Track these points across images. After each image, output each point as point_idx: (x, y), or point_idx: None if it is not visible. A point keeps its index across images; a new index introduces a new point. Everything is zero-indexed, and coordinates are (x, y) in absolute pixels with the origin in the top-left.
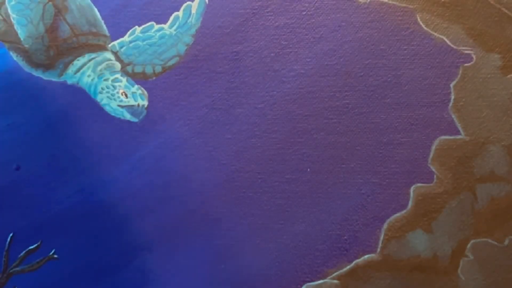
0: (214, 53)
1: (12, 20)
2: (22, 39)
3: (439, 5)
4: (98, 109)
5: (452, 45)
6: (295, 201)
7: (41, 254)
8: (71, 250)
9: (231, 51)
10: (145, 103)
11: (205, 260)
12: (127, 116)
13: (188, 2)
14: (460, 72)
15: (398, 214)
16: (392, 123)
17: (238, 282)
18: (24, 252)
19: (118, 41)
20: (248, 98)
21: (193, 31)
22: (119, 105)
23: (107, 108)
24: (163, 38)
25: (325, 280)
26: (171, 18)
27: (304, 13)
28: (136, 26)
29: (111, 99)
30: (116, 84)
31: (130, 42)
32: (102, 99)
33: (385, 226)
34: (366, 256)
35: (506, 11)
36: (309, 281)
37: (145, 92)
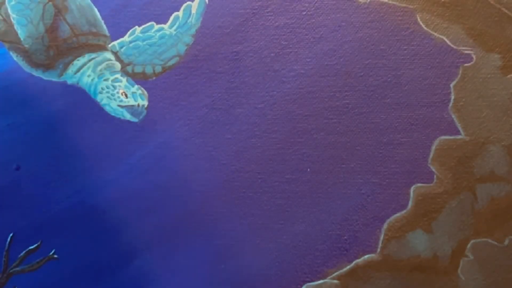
0: (214, 53)
1: (12, 20)
2: (22, 39)
3: (439, 5)
4: (98, 109)
5: (452, 45)
6: (295, 201)
7: (41, 254)
8: (71, 250)
9: (231, 51)
10: (145, 103)
11: (205, 260)
12: (127, 116)
13: (188, 2)
14: (460, 72)
15: (398, 214)
16: (392, 123)
17: (238, 282)
18: (24, 252)
19: (118, 41)
20: (248, 98)
21: (193, 31)
22: (119, 105)
23: (107, 108)
24: (163, 38)
25: (325, 280)
26: (171, 18)
27: (304, 13)
28: (136, 26)
29: (111, 99)
30: (116, 84)
31: (130, 42)
32: (102, 99)
33: (385, 226)
34: (366, 256)
35: (506, 11)
36: (309, 281)
37: (145, 92)
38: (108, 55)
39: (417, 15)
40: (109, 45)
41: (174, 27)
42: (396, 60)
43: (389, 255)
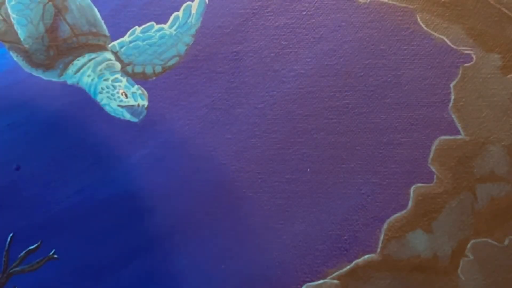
0: (214, 53)
1: (12, 20)
2: (22, 39)
3: (439, 5)
4: (98, 109)
5: (452, 45)
6: (295, 201)
7: (41, 254)
8: (71, 250)
9: (231, 51)
10: (145, 103)
11: (205, 260)
12: (127, 116)
13: (188, 2)
14: (460, 72)
15: (398, 214)
16: (392, 123)
17: (238, 282)
18: (24, 252)
19: (118, 41)
20: (248, 98)
21: (193, 31)
22: (119, 105)
23: (107, 108)
24: (163, 38)
25: (325, 280)
26: (171, 18)
27: (304, 13)
28: (136, 26)
29: (111, 99)
30: (116, 84)
31: (130, 42)
32: (102, 99)
33: (385, 226)
34: (366, 256)
35: (506, 11)
36: (309, 281)
37: (145, 92)
38: (108, 55)
39: (417, 15)
40: (109, 45)
41: (174, 27)
42: (396, 60)
43: (389, 255)
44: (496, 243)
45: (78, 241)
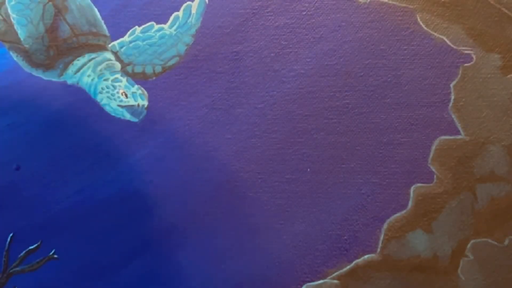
0: (214, 53)
1: (12, 20)
2: (22, 39)
3: (439, 5)
4: (98, 109)
5: (452, 45)
6: (295, 201)
7: (41, 254)
8: (71, 250)
9: (231, 51)
10: (145, 103)
11: (205, 260)
12: (127, 116)
13: (188, 2)
14: (460, 72)
15: (398, 214)
16: (392, 123)
17: (238, 282)
18: (24, 252)
19: (118, 41)
20: (248, 98)
21: (193, 31)
22: (119, 105)
23: (107, 108)
24: (163, 38)
25: (325, 280)
26: (171, 18)
27: (304, 13)
28: (136, 26)
29: (111, 99)
30: (116, 84)
31: (130, 42)
32: (102, 99)
33: (385, 226)
34: (366, 256)
35: (506, 11)
36: (309, 281)
37: (145, 92)
38: (108, 55)
39: (417, 15)
40: (109, 45)
41: (174, 27)
42: (396, 60)
43: (389, 255)
44: (496, 243)
45: (78, 241)
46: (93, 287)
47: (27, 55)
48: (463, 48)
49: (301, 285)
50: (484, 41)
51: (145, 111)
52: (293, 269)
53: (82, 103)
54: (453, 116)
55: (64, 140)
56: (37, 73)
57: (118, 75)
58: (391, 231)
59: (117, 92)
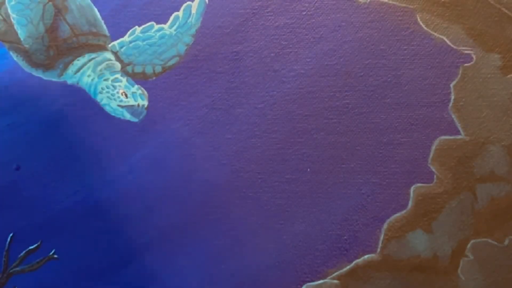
0: (214, 53)
1: (12, 20)
2: (22, 39)
3: (439, 5)
4: (98, 109)
5: (452, 45)
6: (295, 201)
7: (41, 254)
8: (71, 250)
9: (231, 51)
10: (145, 103)
11: (205, 260)
12: (127, 116)
13: (188, 2)
14: (460, 72)
15: (398, 214)
16: (392, 123)
17: (238, 282)
18: (24, 252)
19: (118, 41)
20: (248, 98)
21: (193, 31)
22: (119, 105)
23: (107, 108)
24: (163, 38)
25: (325, 280)
26: (171, 18)
27: (304, 13)
28: (136, 26)
29: (111, 99)
30: (116, 84)
31: (130, 42)
32: (102, 99)
33: (385, 226)
34: (366, 256)
35: (506, 11)
36: (309, 281)
37: (145, 92)
38: (108, 55)
39: (417, 15)
40: (109, 45)
41: (174, 27)
42: (396, 60)
43: (389, 255)
44: (496, 243)
45: (78, 241)
46: (93, 287)
47: (27, 55)
48: (463, 48)
49: (301, 285)
50: (484, 41)
51: (145, 111)
52: (293, 269)
53: (82, 103)
54: (453, 116)
55: (64, 140)
56: (37, 73)
57: (118, 75)
58: (391, 231)
59: (117, 92)
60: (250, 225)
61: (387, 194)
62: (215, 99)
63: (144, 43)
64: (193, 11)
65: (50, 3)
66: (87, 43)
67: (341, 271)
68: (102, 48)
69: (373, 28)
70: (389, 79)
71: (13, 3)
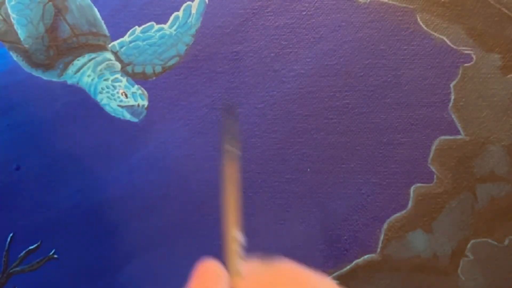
0: (214, 53)
1: (12, 20)
2: (22, 39)
3: (439, 5)
4: (98, 109)
5: (452, 45)
6: (295, 201)
7: (41, 254)
8: (71, 250)
9: (231, 51)
10: (145, 103)
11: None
12: (127, 116)
13: (188, 2)
14: (460, 72)
15: (398, 214)
16: (392, 123)
17: None
18: (24, 252)
19: (118, 41)
20: (248, 98)
21: (193, 31)
22: (119, 105)
23: (107, 108)
24: (163, 38)
25: None
26: (171, 18)
27: (304, 13)
28: (136, 26)
29: (111, 99)
30: (116, 84)
31: (130, 42)
32: (102, 99)
33: (385, 226)
34: (366, 256)
35: (506, 11)
36: None
37: (145, 92)
38: (108, 55)
39: (417, 15)
40: (109, 45)
41: (174, 27)
42: (396, 60)
43: (389, 255)
44: (496, 243)
45: (78, 241)
46: (93, 287)
47: (27, 55)
48: (463, 48)
49: None
50: (484, 41)
51: (145, 111)
52: None
53: (82, 103)
54: (453, 116)
55: (64, 140)
56: (37, 73)
57: (118, 75)
58: (391, 231)
59: (117, 92)
60: (250, 225)
61: (387, 194)
62: (215, 99)
63: (144, 43)
64: (193, 11)
65: (50, 3)
66: (87, 43)
67: (341, 271)
68: (102, 48)
69: (373, 28)
70: (389, 79)
71: (13, 3)
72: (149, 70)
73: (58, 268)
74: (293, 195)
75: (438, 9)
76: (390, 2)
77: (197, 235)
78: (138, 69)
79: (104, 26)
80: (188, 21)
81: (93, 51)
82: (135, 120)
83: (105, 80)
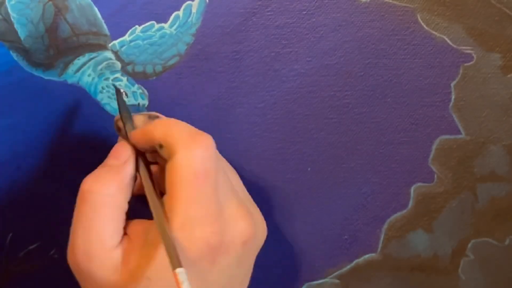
0: (215, 53)
1: (12, 19)
2: (22, 38)
3: (440, 5)
4: (98, 108)
5: (452, 45)
6: (295, 201)
7: (41, 254)
8: None
9: (232, 50)
10: (146, 102)
11: None
12: None
13: (189, 2)
14: (461, 71)
15: (398, 214)
16: (393, 123)
17: None
18: (23, 252)
19: (119, 40)
20: (249, 98)
21: (193, 30)
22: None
23: (107, 108)
24: (164, 37)
25: (326, 280)
26: (172, 17)
27: (304, 12)
28: (137, 26)
29: (111, 98)
30: (117, 83)
31: (131, 41)
32: (102, 98)
33: (385, 225)
34: (366, 256)
35: (506, 10)
36: (309, 280)
37: (146, 92)
38: (109, 54)
39: (418, 15)
40: (110, 45)
41: (175, 27)
42: (396, 60)
43: (390, 254)
44: (496, 242)
45: None
46: None
47: (27, 54)
48: (464, 47)
49: (302, 284)
50: (485, 40)
51: (145, 111)
52: (293, 269)
53: (83, 103)
54: (453, 116)
55: (64, 140)
56: (37, 73)
57: (118, 75)
58: (391, 231)
59: None
60: None
61: (388, 194)
62: (216, 98)
63: (145, 42)
64: (194, 10)
65: (50, 2)
66: (87, 43)
67: (342, 270)
68: (102, 47)
69: (374, 28)
70: (389, 79)
71: (13, 2)
72: (149, 69)
73: (58, 268)
74: (293, 195)
75: (439, 8)
76: (391, 1)
77: None
78: (139, 69)
79: (105, 26)
80: (189, 20)
81: (94, 50)
82: None
83: (106, 79)
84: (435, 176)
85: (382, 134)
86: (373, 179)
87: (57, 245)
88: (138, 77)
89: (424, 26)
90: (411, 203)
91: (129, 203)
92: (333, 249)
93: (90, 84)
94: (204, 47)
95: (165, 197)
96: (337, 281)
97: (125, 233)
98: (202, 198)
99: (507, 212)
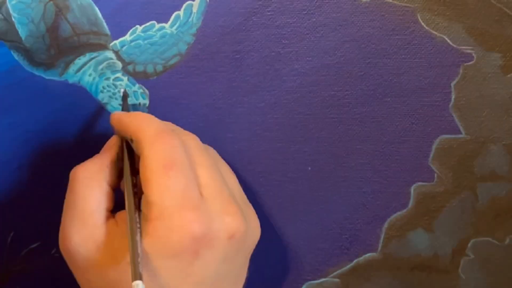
0: (215, 52)
1: (13, 19)
2: (23, 38)
3: (440, 4)
4: (99, 108)
5: (452, 44)
6: (295, 200)
7: (41, 254)
8: None
9: (232, 50)
10: (146, 102)
11: None
12: None
13: (189, 1)
14: (461, 71)
15: (399, 213)
16: (393, 122)
17: None
18: (24, 252)
19: (119, 40)
20: (249, 97)
21: (194, 30)
22: (120, 104)
23: (108, 107)
24: (164, 37)
25: (326, 279)
26: (172, 17)
27: (304, 12)
28: (137, 25)
29: (112, 98)
30: (117, 83)
31: (131, 41)
32: (103, 98)
33: (385, 225)
34: (367, 255)
35: (507, 10)
36: (310, 280)
37: (146, 91)
38: (109, 54)
39: (418, 14)
40: (110, 44)
41: (175, 26)
42: (396, 59)
43: (390, 254)
44: (497, 242)
45: None
46: None
47: (28, 54)
48: (464, 47)
49: (302, 284)
50: (485, 40)
51: (146, 110)
52: (294, 268)
53: (83, 102)
54: (454, 115)
55: (65, 140)
56: (38, 72)
57: (119, 74)
58: (391, 230)
59: (118, 91)
60: None
61: (388, 193)
62: (216, 98)
63: (145, 42)
64: (194, 10)
65: (51, 2)
66: (88, 42)
67: (342, 269)
68: (103, 47)
69: (374, 27)
70: (389, 78)
71: (14, 2)
72: (150, 69)
73: (58, 268)
74: (293, 194)
75: (439, 8)
76: (391, 1)
77: None
78: (139, 68)
79: (105, 25)
80: (189, 20)
81: (94, 50)
82: None
83: (106, 79)
84: (435, 175)
85: (382, 133)
86: (373, 179)
87: (57, 245)
88: (139, 77)
89: (424, 26)
90: (411, 203)
91: (114, 189)
92: (333, 249)
93: (91, 83)
94: (204, 46)
95: (143, 194)
96: (337, 280)
97: (113, 218)
98: (175, 186)
99: (507, 212)
